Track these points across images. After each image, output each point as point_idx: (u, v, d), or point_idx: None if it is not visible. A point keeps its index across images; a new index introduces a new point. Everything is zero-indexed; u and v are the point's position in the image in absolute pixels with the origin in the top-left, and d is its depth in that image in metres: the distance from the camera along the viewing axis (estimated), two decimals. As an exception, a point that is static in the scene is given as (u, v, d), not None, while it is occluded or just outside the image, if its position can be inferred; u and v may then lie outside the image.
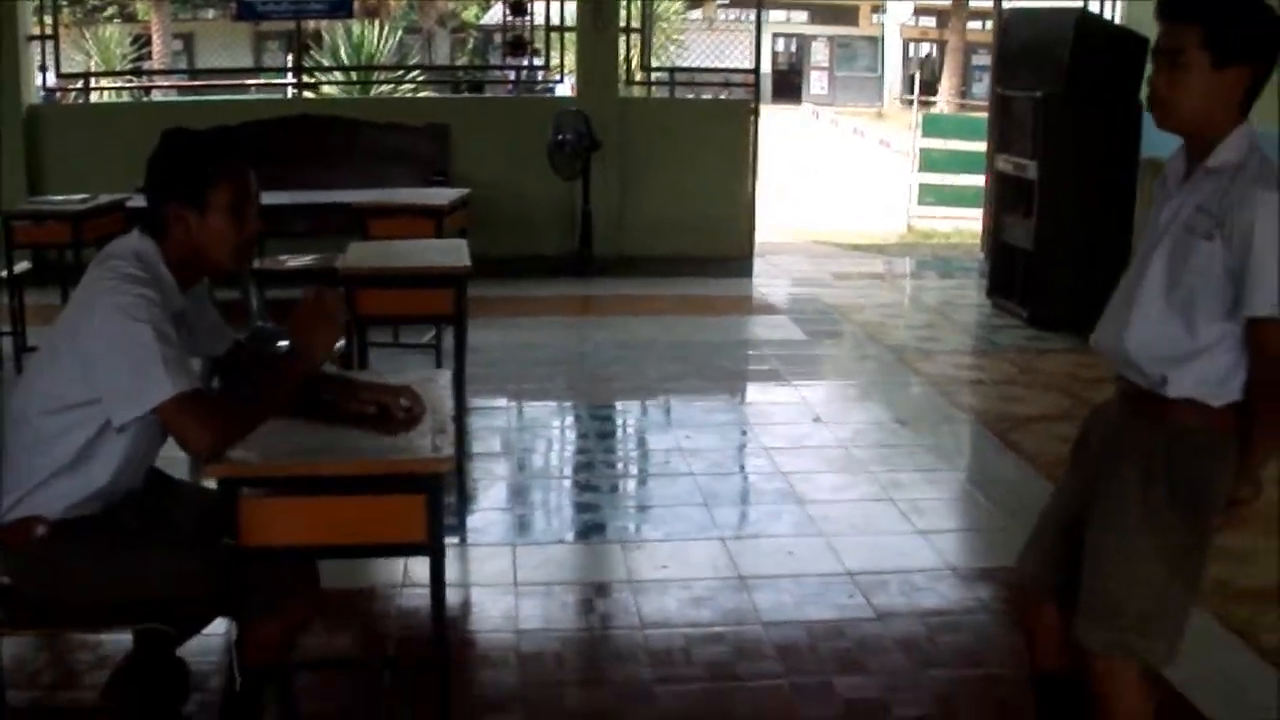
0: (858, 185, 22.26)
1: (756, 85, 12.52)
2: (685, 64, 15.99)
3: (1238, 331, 2.84)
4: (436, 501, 3.03)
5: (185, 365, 3.13)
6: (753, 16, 12.67)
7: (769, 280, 11.66)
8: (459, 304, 5.74)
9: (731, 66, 12.98)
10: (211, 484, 3.08)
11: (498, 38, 12.56)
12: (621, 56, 12.41)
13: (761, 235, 13.19)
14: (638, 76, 12.85)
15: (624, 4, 12.16)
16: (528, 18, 12.51)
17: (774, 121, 33.57)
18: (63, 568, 3.23)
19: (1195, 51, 2.81)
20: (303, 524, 3.06)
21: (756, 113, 12.34)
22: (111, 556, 3.22)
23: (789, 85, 46.46)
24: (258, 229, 3.39)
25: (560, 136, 11.43)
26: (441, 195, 8.54)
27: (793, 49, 48.17)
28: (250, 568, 3.10)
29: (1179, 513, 2.90)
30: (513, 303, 10.25)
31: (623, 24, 12.24)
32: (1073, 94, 8.85)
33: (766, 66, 47.02)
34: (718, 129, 12.31)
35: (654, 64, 13.62)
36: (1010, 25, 10.81)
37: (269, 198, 8.34)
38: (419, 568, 4.89)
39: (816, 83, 47.19)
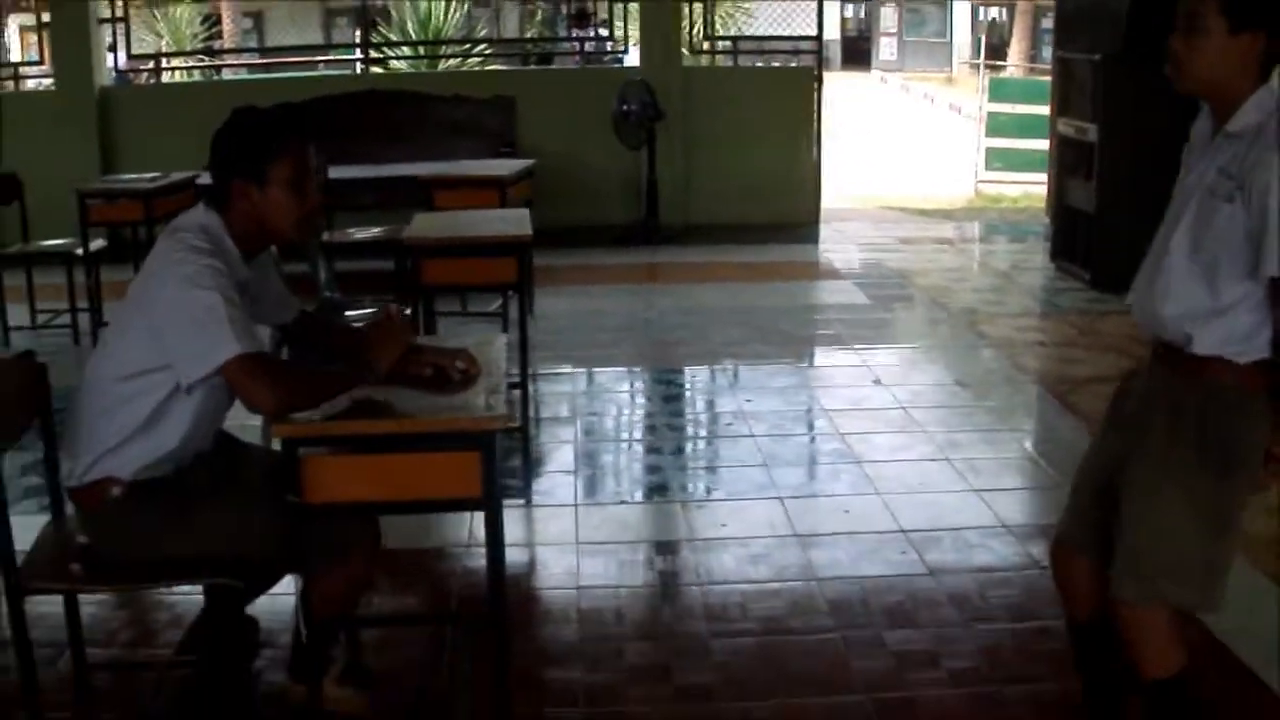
0: (927, 150, 22.19)
1: (819, 52, 12.57)
2: (754, 32, 15.94)
3: (1260, 292, 2.88)
4: (490, 458, 3.15)
5: (250, 328, 3.27)
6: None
7: (834, 246, 11.71)
8: (521, 272, 5.85)
9: (796, 34, 13.02)
10: (276, 445, 3.22)
11: (565, 9, 12.61)
12: (686, 26, 12.49)
13: (829, 201, 13.26)
14: (703, 46, 12.93)
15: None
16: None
17: (843, 88, 33.62)
18: (136, 526, 3.38)
19: (1213, 16, 2.86)
20: (363, 481, 3.20)
21: (820, 80, 12.40)
22: (182, 515, 3.38)
23: (859, 51, 46.32)
24: (318, 202, 3.52)
25: (625, 107, 11.54)
26: (505, 166, 8.67)
27: (862, 15, 47.93)
28: (313, 524, 3.23)
29: (1209, 467, 2.95)
30: (580, 271, 10.39)
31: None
32: (1131, 55, 8.81)
33: (836, 33, 46.98)
34: (780, 97, 12.40)
35: (720, 33, 13.68)
36: (1067, -11, 10.77)
37: (337, 172, 8.66)
38: (507, 528, 5.09)
39: (886, 49, 46.90)
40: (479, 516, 3.29)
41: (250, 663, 4.00)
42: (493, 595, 3.35)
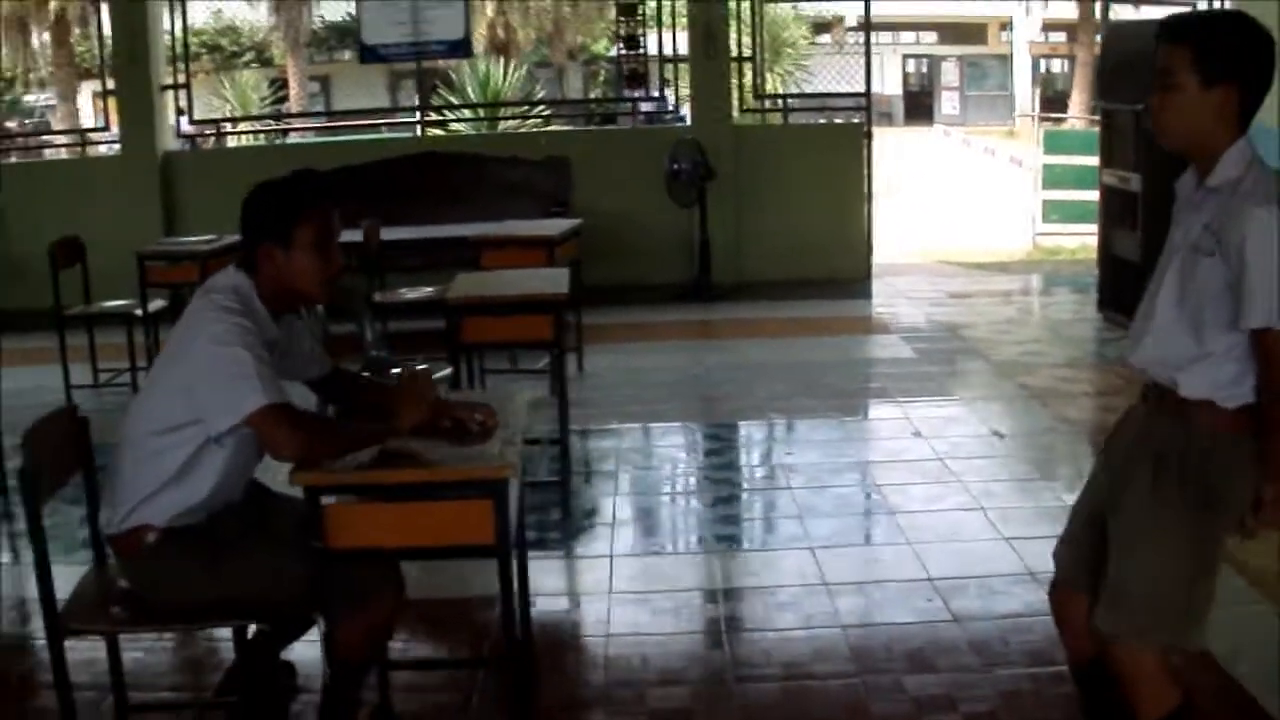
0: (986, 204, 22.22)
1: (868, 109, 12.68)
2: (813, 89, 16.07)
3: (1243, 341, 2.97)
4: (502, 506, 3.30)
5: (276, 382, 3.45)
6: (883, 39, 12.84)
7: (886, 301, 11.79)
8: (558, 329, 6.01)
9: (848, 90, 13.15)
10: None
11: (644, 67, 12.87)
12: (736, 84, 12.67)
13: (888, 256, 13.39)
14: (753, 105, 13.10)
15: (736, 33, 12.42)
16: (642, 50, 12.80)
17: (905, 143, 33.71)
18: (170, 571, 3.56)
19: (1185, 73, 2.97)
20: (382, 527, 3.37)
21: (869, 136, 12.52)
22: (214, 561, 3.54)
23: (921, 106, 46.44)
24: (340, 264, 3.69)
25: (676, 166, 11.71)
26: (552, 226, 8.86)
27: (923, 70, 48.08)
28: (337, 569, 3.39)
29: (1191, 508, 3.03)
30: (631, 329, 10.55)
31: (735, 53, 12.50)
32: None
33: (898, 89, 47.18)
34: (831, 153, 12.55)
35: (778, 90, 13.85)
36: (1110, 39, 10.88)
37: (390, 233, 8.89)
38: (542, 578, 5.29)
39: (948, 103, 47.01)
40: (545, 566, 3.41)
41: (287, 705, 4.16)
42: (507, 639, 3.51)
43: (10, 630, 5.06)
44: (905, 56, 46.67)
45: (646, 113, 14.46)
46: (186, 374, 3.47)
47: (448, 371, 6.16)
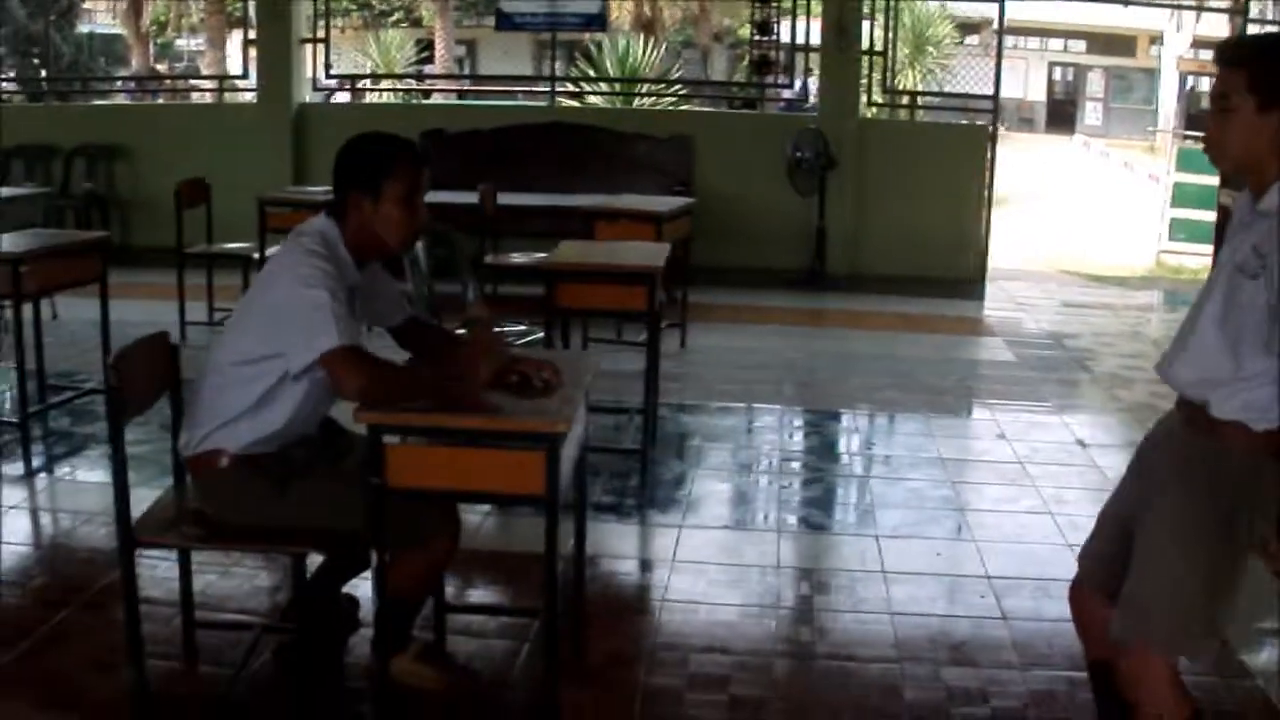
0: (1117, 218, 22.00)
1: (995, 111, 12.66)
2: (954, 89, 16.02)
3: (1277, 366, 2.98)
4: (554, 459, 3.45)
5: (352, 326, 3.66)
6: (1031, 45, 12.81)
7: (997, 304, 11.81)
8: (650, 301, 6.14)
9: (972, 91, 13.16)
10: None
11: (782, 56, 12.97)
12: (866, 78, 12.72)
13: (1009, 261, 13.36)
14: (882, 99, 13.16)
15: (869, 27, 12.46)
16: (774, 37, 12.87)
17: (1043, 152, 33.35)
18: (240, 494, 3.79)
19: (1242, 95, 2.98)
20: (439, 470, 3.53)
21: (994, 139, 12.51)
22: (281, 487, 3.77)
23: (1064, 114, 45.80)
24: (425, 219, 3.89)
25: (798, 154, 11.81)
26: (664, 203, 9.00)
27: (1069, 78, 47.41)
28: (396, 506, 3.57)
29: (1215, 525, 3.07)
30: (740, 310, 10.74)
31: (868, 46, 12.56)
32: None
33: (1042, 95, 46.57)
34: (954, 153, 12.57)
35: (917, 87, 13.81)
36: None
37: (508, 199, 9.10)
38: (606, 540, 5.54)
39: (1091, 113, 46.30)
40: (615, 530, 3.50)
41: (346, 636, 4.37)
42: (548, 590, 3.63)
43: (96, 544, 5.31)
44: (1052, 64, 46.04)
45: (787, 100, 14.52)
46: (271, 310, 3.69)
47: (539, 335, 6.33)
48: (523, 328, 8.40)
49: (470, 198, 9.09)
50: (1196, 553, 3.09)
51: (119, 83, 24.21)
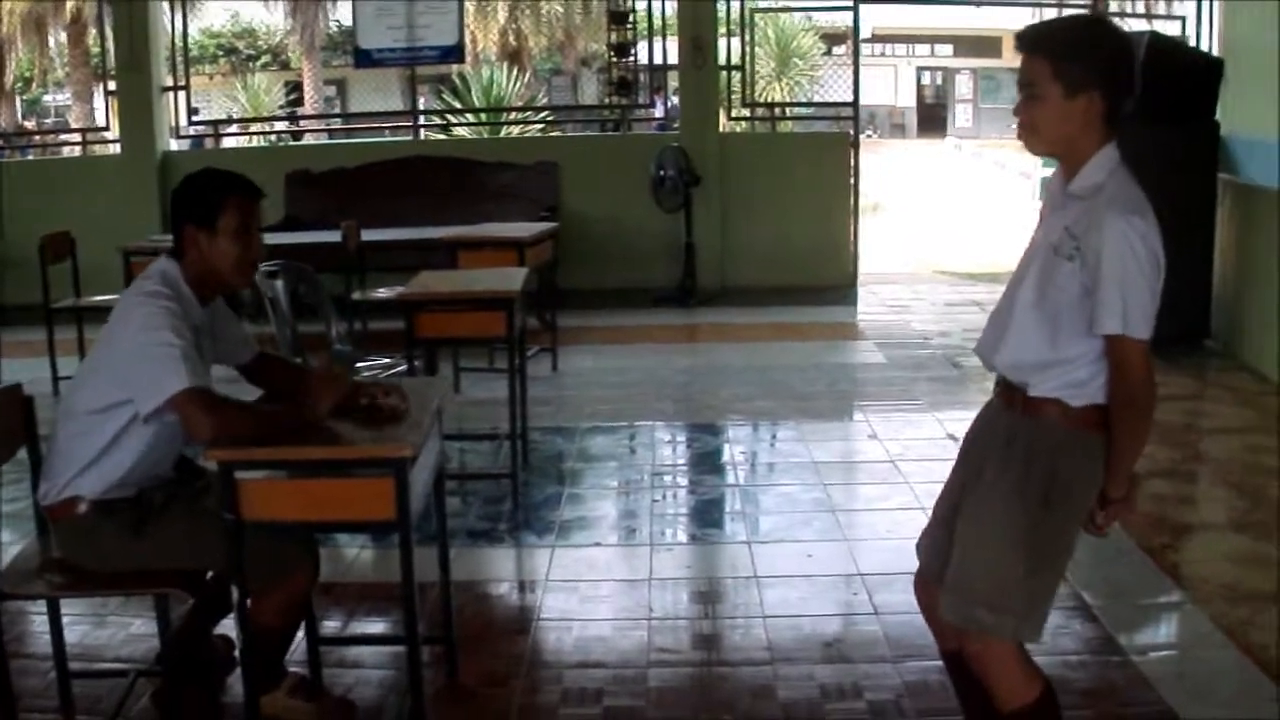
0: (990, 216, 22.34)
1: (855, 118, 12.83)
2: (823, 100, 16.17)
3: (1096, 347, 3.05)
4: (403, 484, 3.47)
5: (199, 367, 3.67)
6: (898, 51, 13.02)
7: (869, 309, 11.96)
8: (510, 326, 6.17)
9: (837, 100, 13.33)
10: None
11: (643, 77, 13.08)
12: (726, 92, 12.84)
13: (883, 266, 13.46)
14: (744, 112, 13.29)
15: (726, 42, 12.60)
16: (632, 57, 12.99)
17: (917, 155, 33.81)
18: (99, 539, 3.78)
19: (1047, 84, 3.04)
20: (292, 501, 3.56)
21: (856, 145, 12.68)
22: (138, 529, 3.77)
23: (935, 119, 46.52)
24: (261, 252, 3.92)
25: (662, 172, 11.90)
26: (527, 229, 9.03)
27: (938, 82, 48.14)
28: (254, 541, 3.56)
29: (1031, 501, 3.11)
30: (612, 331, 10.77)
31: (726, 61, 12.68)
32: (1146, 114, 8.98)
33: (912, 100, 47.25)
34: (817, 162, 12.70)
35: (784, 99, 13.95)
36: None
37: (372, 234, 9.10)
38: (480, 565, 5.57)
39: (962, 115, 47.07)
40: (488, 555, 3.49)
41: (223, 676, 4.35)
42: (406, 613, 3.65)
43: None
44: (920, 69, 46.76)
45: (659, 119, 14.60)
46: (118, 356, 3.71)
47: (401, 368, 6.33)
48: (387, 361, 8.38)
49: (334, 236, 9.06)
50: (1015, 530, 3.13)
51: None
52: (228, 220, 3.81)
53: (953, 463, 3.50)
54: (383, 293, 8.76)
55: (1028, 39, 3.12)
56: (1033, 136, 3.15)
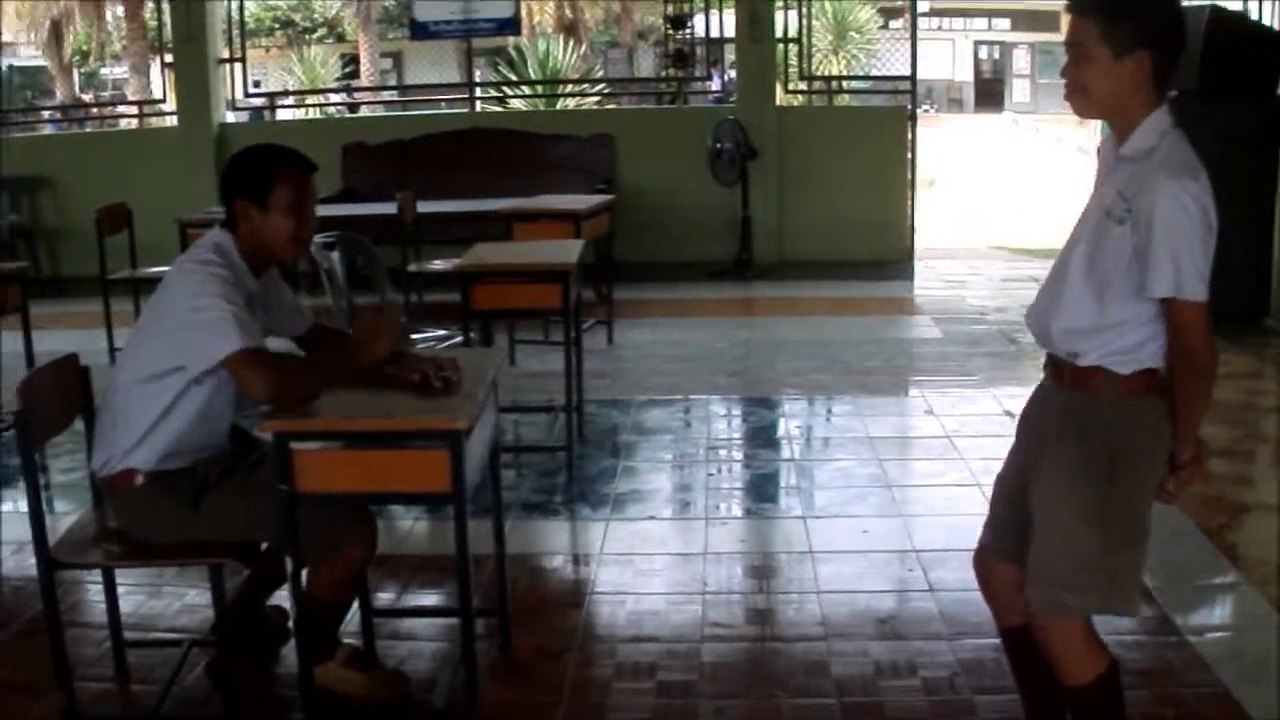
0: (1049, 191, 22.15)
1: (913, 91, 12.75)
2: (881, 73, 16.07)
3: (1147, 310, 3.00)
4: (458, 456, 3.46)
5: (251, 327, 3.67)
6: (955, 25, 12.93)
7: (926, 283, 11.89)
8: (565, 299, 6.16)
9: (894, 74, 13.24)
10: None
11: (700, 50, 13.06)
12: (783, 66, 12.78)
13: (941, 240, 13.35)
14: (801, 86, 13.22)
15: (784, 15, 12.53)
16: (689, 30, 12.94)
17: (974, 130, 33.56)
18: (155, 510, 3.79)
19: (1096, 45, 2.98)
20: (346, 473, 3.56)
21: (914, 119, 12.60)
22: (194, 501, 3.78)
23: (992, 93, 46.16)
24: (314, 227, 3.92)
25: (719, 145, 11.85)
26: (583, 201, 9.01)
27: (996, 56, 47.76)
28: (310, 513, 3.57)
29: (1096, 476, 3.07)
30: (668, 305, 10.76)
31: (783, 35, 12.61)
32: (1206, 90, 8.89)
33: (969, 75, 46.89)
34: (874, 135, 12.63)
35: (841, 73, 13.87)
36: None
37: (428, 206, 9.10)
38: (534, 538, 5.59)
39: (1019, 90, 46.67)
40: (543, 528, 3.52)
41: (277, 647, 4.37)
42: (460, 585, 3.64)
43: (27, 573, 5.26)
44: (977, 43, 46.38)
45: (715, 93, 14.55)
46: (168, 323, 3.71)
47: (457, 340, 6.33)
48: (444, 333, 8.40)
49: (390, 208, 9.08)
50: (1086, 508, 3.09)
51: (45, 114, 24.01)
52: (279, 195, 3.81)
53: (1009, 440, 3.45)
54: (438, 265, 8.76)
55: (1077, 0, 3.07)
56: (1082, 98, 3.09)
